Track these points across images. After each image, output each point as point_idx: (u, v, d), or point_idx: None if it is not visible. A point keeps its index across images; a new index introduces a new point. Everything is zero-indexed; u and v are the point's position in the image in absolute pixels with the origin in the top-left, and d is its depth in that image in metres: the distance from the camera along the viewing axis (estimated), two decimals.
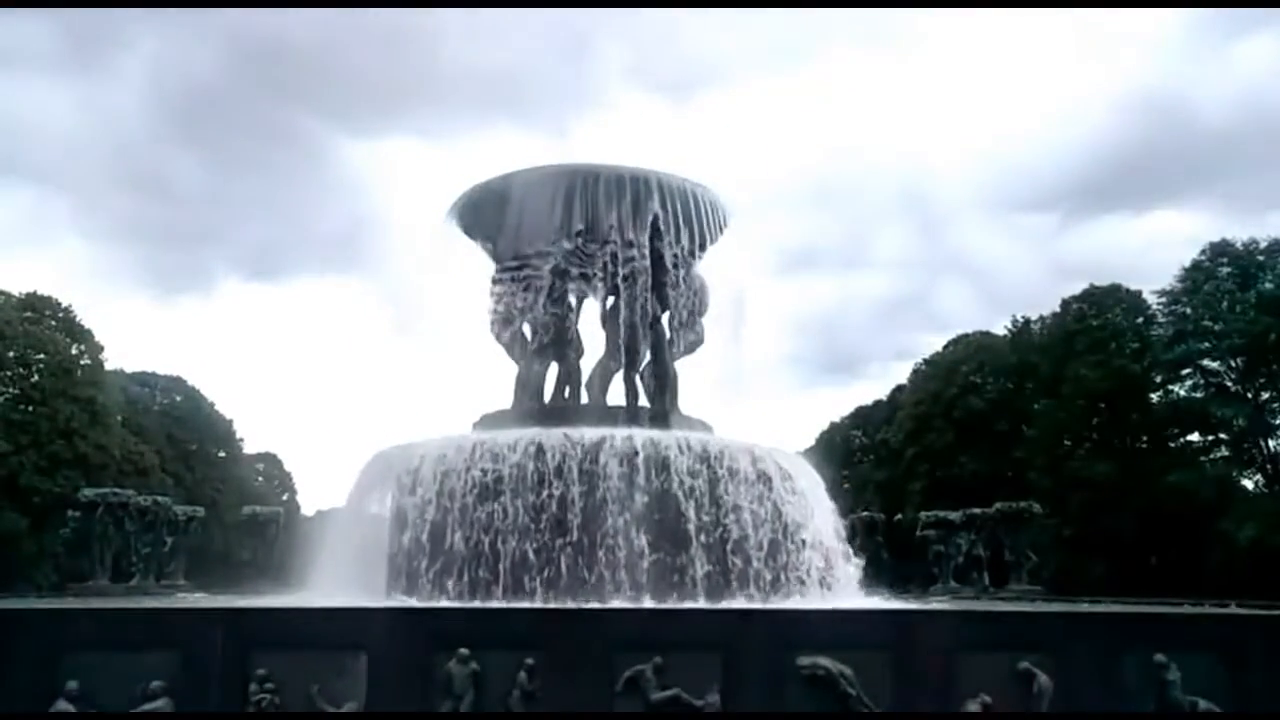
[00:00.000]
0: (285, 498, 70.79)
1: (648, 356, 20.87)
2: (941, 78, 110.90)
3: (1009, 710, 10.58)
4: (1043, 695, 10.62)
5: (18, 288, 47.98)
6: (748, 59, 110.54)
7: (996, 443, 49.76)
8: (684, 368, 21.41)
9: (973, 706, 10.52)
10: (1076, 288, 50.57)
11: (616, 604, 15.06)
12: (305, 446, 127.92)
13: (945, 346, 57.58)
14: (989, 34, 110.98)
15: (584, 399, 20.74)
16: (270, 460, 74.90)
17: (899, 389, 61.03)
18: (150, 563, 30.12)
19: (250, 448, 69.07)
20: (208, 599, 23.47)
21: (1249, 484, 43.84)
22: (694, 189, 20.67)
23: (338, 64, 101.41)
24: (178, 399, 60.67)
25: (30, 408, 44.11)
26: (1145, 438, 47.08)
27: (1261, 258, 42.99)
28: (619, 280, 20.12)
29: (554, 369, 21.01)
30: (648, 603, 15.32)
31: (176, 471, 54.31)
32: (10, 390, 44.74)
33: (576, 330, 21.17)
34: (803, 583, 17.13)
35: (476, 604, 15.23)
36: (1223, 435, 44.58)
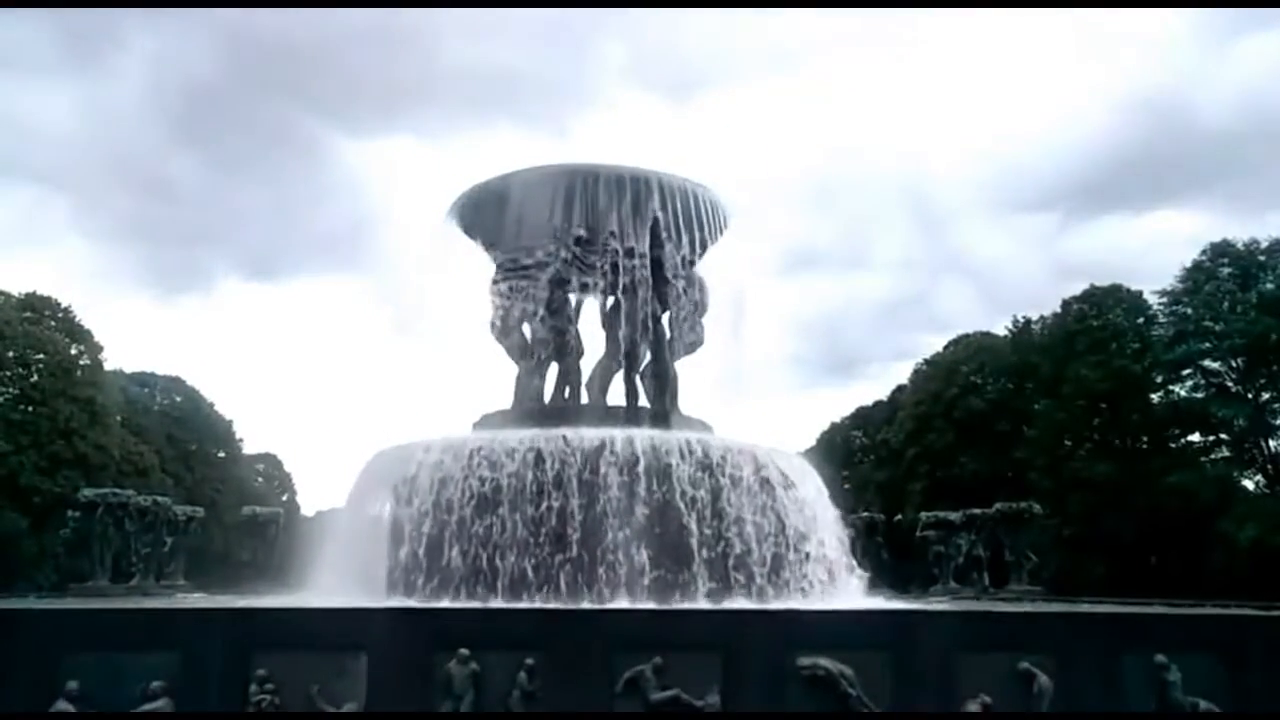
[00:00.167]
0: (285, 498, 70.80)
1: (648, 357, 20.85)
2: (941, 78, 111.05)
3: (1009, 710, 10.57)
4: (1043, 695, 10.63)
5: (17, 288, 48.09)
6: (747, 59, 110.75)
7: (997, 443, 49.69)
8: (684, 368, 21.41)
9: (973, 706, 10.53)
10: (1077, 288, 50.69)
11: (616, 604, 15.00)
12: (305, 447, 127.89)
13: (946, 347, 57.54)
14: (989, 34, 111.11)
15: (584, 399, 20.73)
16: (270, 460, 74.84)
17: (899, 389, 60.97)
18: (150, 563, 30.14)
19: (250, 448, 69.08)
20: (207, 599, 23.46)
21: (1249, 484, 43.74)
22: (694, 189, 20.67)
23: (337, 64, 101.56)
24: (177, 399, 60.59)
25: (30, 408, 44.06)
26: (1146, 438, 46.97)
27: (1262, 258, 42.91)
28: (619, 282, 20.08)
29: (554, 369, 21.01)
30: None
31: (176, 472, 54.27)
32: (10, 390, 44.68)
33: (576, 332, 21.19)
34: (804, 594, 17.00)
35: (476, 604, 15.17)
36: (1223, 435, 44.52)
